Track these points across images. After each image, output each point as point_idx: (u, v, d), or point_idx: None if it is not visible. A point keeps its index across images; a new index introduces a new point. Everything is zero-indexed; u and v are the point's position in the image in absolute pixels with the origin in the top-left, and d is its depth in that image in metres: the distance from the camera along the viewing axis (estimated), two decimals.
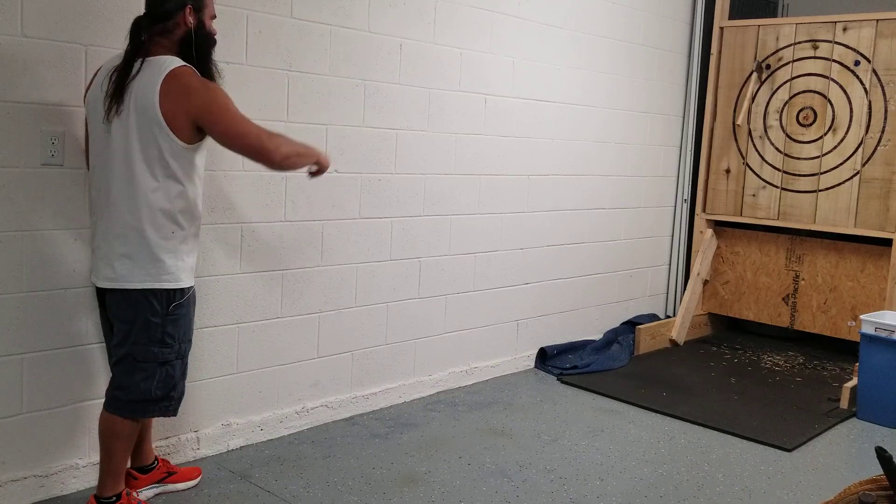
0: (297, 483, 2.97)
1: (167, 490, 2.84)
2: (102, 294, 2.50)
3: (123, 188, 2.37)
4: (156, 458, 2.85)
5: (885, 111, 4.61)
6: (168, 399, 2.50)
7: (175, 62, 2.36)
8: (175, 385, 2.50)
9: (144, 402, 2.46)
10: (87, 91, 2.54)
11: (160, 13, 2.37)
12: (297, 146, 2.56)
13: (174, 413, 2.55)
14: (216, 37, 2.53)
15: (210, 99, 2.36)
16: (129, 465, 2.69)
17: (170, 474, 2.85)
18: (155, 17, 2.38)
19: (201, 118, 2.35)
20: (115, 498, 2.52)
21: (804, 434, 3.68)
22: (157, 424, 2.99)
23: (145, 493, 2.78)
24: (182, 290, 2.45)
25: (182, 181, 2.40)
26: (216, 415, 3.18)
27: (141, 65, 2.35)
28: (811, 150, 4.89)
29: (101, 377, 2.82)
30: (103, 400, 2.53)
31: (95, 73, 2.53)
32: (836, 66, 4.78)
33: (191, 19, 2.40)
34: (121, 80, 2.35)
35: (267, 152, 2.43)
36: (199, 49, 2.43)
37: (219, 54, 2.96)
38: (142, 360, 2.43)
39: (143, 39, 2.38)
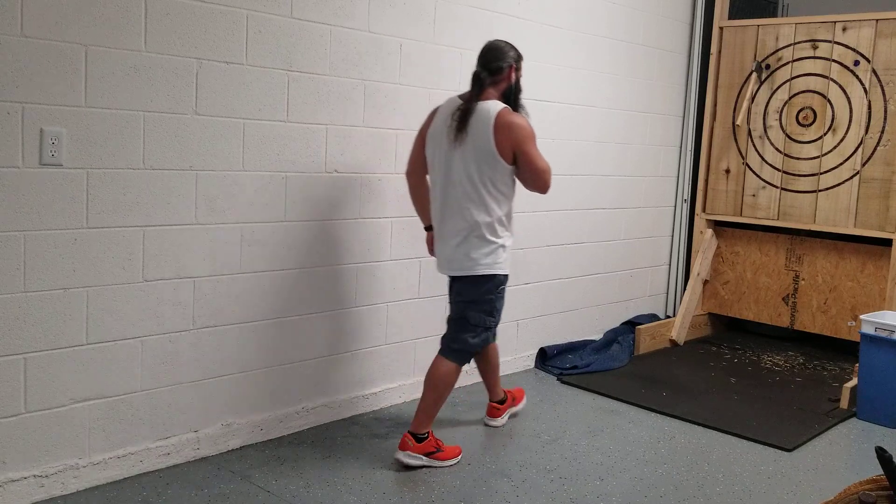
0: (297, 483, 2.97)
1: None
2: (451, 279, 3.27)
3: (467, 202, 3.09)
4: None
5: (885, 111, 4.61)
6: (478, 350, 3.33)
7: (500, 105, 3.10)
8: (487, 341, 3.29)
9: (468, 353, 3.26)
10: (429, 122, 3.25)
11: (495, 69, 3.15)
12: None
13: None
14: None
15: (524, 134, 3.08)
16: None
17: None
18: (491, 71, 3.15)
19: (518, 147, 3.07)
20: (425, 434, 3.16)
21: (804, 434, 3.68)
22: (157, 425, 3.00)
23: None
24: (506, 275, 3.23)
25: (507, 196, 3.16)
26: (216, 415, 3.18)
27: (476, 107, 3.07)
28: (811, 150, 4.89)
29: (102, 377, 2.82)
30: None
31: (435, 111, 3.26)
32: (835, 66, 4.78)
33: (513, 75, 3.20)
34: (463, 118, 3.07)
35: (545, 188, 3.20)
36: (515, 97, 3.21)
37: (218, 54, 2.98)
38: (474, 323, 3.20)
39: (480, 88, 3.12)
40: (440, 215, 3.19)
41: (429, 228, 3.37)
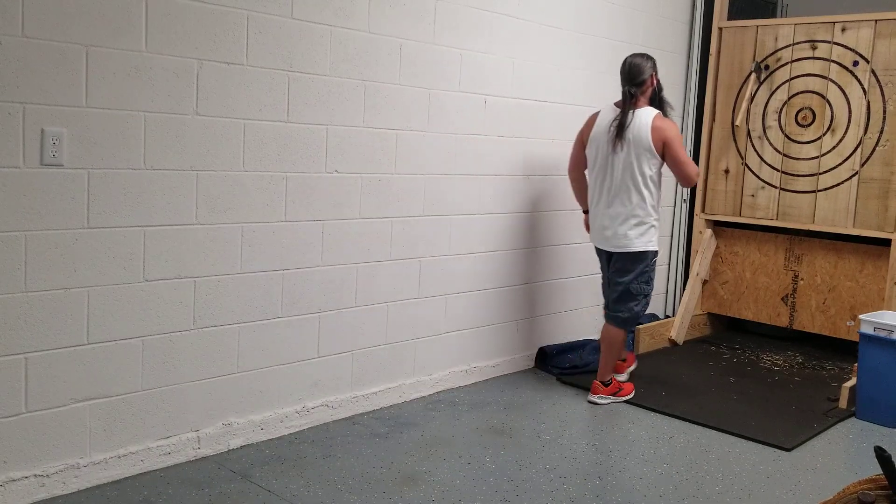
0: (297, 483, 2.97)
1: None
2: (608, 254, 3.96)
3: (628, 192, 3.80)
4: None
5: (884, 111, 4.62)
6: (642, 318, 4.18)
7: (653, 111, 3.82)
8: (647, 307, 4.03)
9: (634, 319, 4.00)
10: (588, 128, 3.95)
11: (640, 82, 3.81)
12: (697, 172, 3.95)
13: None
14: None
15: (674, 135, 3.78)
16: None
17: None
18: (637, 85, 3.81)
19: (666, 144, 3.77)
20: (609, 381, 4.01)
21: (803, 434, 3.68)
22: (158, 424, 3.00)
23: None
24: (657, 251, 3.94)
25: (658, 186, 3.86)
26: (216, 414, 3.19)
27: (632, 116, 3.78)
28: (810, 150, 4.90)
29: (102, 377, 2.83)
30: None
31: (594, 116, 3.95)
32: (834, 67, 4.78)
33: (654, 81, 3.88)
34: (621, 125, 3.78)
35: (690, 181, 3.89)
36: (658, 96, 3.94)
37: (219, 54, 2.99)
38: (636, 293, 3.92)
39: (632, 99, 3.79)
40: (599, 203, 3.90)
41: (586, 212, 4.10)
